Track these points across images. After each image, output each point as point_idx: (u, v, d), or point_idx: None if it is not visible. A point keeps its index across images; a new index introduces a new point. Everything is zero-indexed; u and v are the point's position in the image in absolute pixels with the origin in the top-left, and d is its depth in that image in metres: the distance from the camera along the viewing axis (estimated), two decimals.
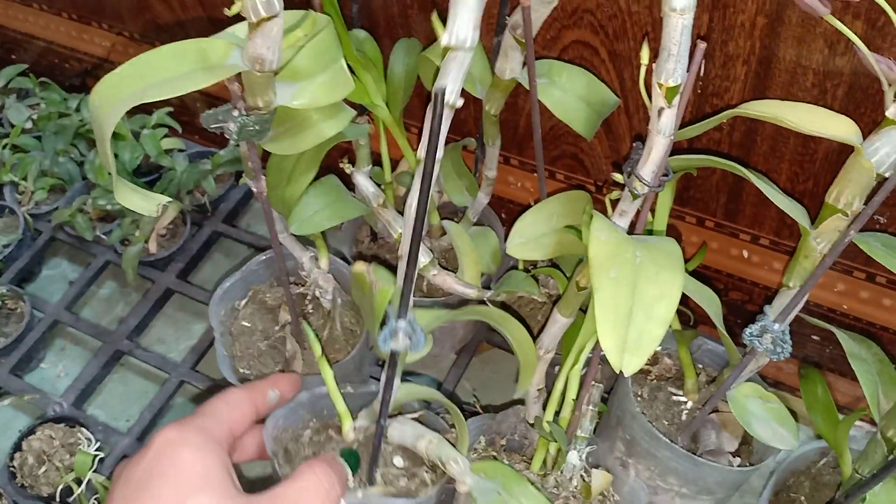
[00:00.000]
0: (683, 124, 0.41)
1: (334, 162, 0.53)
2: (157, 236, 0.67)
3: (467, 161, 0.57)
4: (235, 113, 0.36)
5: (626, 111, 0.49)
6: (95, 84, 0.33)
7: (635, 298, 0.33)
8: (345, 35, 0.43)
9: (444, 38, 0.35)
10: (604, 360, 0.33)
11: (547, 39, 0.48)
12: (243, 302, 0.57)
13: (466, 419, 0.46)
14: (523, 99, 0.52)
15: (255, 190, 0.43)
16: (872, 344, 0.44)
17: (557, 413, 0.47)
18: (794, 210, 0.39)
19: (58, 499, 0.55)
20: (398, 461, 0.47)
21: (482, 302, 0.49)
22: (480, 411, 0.54)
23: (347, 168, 0.52)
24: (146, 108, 0.69)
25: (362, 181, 0.52)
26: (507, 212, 0.62)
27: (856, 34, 0.34)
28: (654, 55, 0.33)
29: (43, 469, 0.56)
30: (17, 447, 0.57)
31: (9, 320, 0.65)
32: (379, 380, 0.42)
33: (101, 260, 0.68)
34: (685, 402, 0.50)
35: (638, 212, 0.38)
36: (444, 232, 0.55)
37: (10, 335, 0.63)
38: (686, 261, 0.51)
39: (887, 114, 0.34)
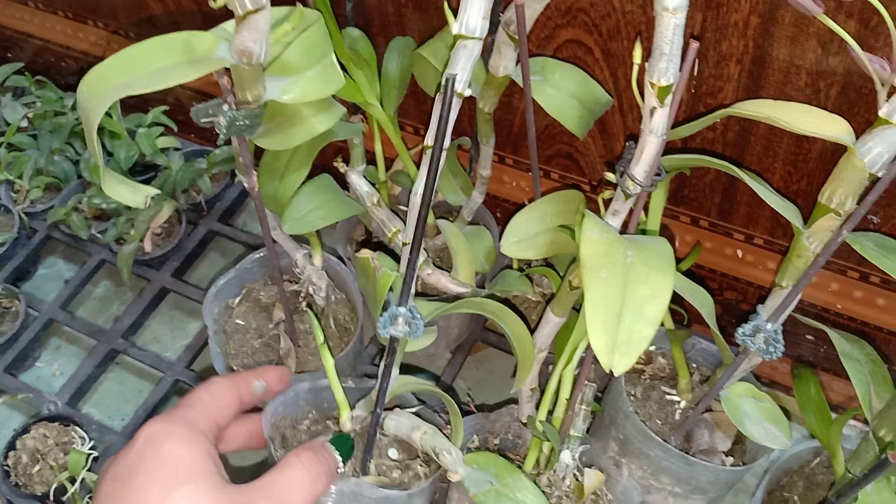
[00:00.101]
0: (677, 124, 0.41)
1: (329, 161, 0.53)
2: (152, 235, 0.67)
3: (462, 160, 0.57)
4: (225, 107, 0.36)
5: (620, 110, 0.49)
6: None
7: (625, 298, 0.33)
8: (336, 32, 0.43)
9: (455, 27, 0.36)
10: (597, 359, 0.32)
11: (541, 38, 0.47)
12: (237, 300, 0.57)
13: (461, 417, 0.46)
14: (518, 98, 0.52)
15: (246, 185, 0.43)
16: (865, 344, 0.44)
17: (551, 412, 0.47)
18: (787, 210, 0.39)
19: (52, 497, 0.55)
20: (393, 453, 0.47)
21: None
22: (475, 410, 0.55)
23: (341, 167, 0.52)
24: (142, 107, 0.69)
25: (356, 180, 0.52)
26: (502, 211, 0.62)
27: (849, 34, 0.34)
28: (648, 54, 0.33)
29: (37, 468, 0.56)
30: (11, 446, 0.57)
31: (4, 319, 0.65)
32: (375, 378, 0.42)
33: (96, 259, 0.67)
34: (678, 402, 0.50)
35: (631, 211, 0.38)
36: (439, 231, 0.55)
37: (4, 334, 0.63)
38: (680, 260, 0.52)
39: (880, 113, 0.34)
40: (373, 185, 0.53)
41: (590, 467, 0.48)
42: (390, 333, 0.39)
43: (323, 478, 0.40)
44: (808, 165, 0.45)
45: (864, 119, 0.40)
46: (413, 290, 0.39)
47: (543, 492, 0.44)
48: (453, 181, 0.56)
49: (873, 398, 0.41)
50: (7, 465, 0.56)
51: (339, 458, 0.42)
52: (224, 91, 0.37)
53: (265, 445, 0.46)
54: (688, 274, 0.48)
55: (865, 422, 0.41)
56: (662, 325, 0.50)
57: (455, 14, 0.37)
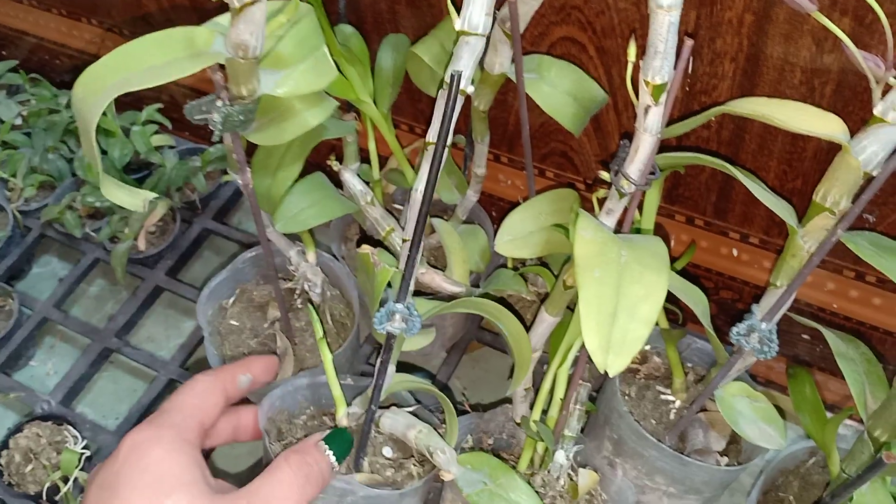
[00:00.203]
0: (672, 122, 0.41)
1: (322, 159, 0.53)
2: (146, 233, 0.67)
3: (456, 159, 0.56)
4: (219, 103, 0.36)
5: (615, 108, 0.48)
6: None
7: (619, 298, 0.33)
8: (327, 28, 0.43)
9: (458, 24, 0.36)
10: (591, 359, 0.32)
11: (535, 36, 0.47)
12: (231, 300, 0.56)
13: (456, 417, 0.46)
14: (512, 96, 0.52)
15: (239, 183, 0.42)
16: (860, 343, 0.44)
17: (545, 412, 0.46)
18: (781, 208, 0.38)
19: (45, 497, 0.55)
20: (387, 451, 0.47)
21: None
22: (469, 410, 0.54)
23: (335, 165, 0.52)
24: (136, 105, 0.69)
25: (350, 179, 0.51)
26: (497, 210, 0.62)
27: (843, 31, 0.33)
28: (642, 52, 0.33)
29: (30, 467, 0.56)
30: (4, 445, 0.57)
31: None
32: (372, 376, 0.42)
33: (90, 257, 0.67)
34: (673, 401, 0.50)
35: (625, 210, 0.38)
36: (433, 230, 0.55)
37: None
38: (675, 259, 0.51)
39: (875, 111, 0.34)
40: (367, 183, 0.52)
41: (584, 467, 0.48)
42: (387, 330, 0.38)
43: (313, 482, 0.39)
44: (803, 164, 0.45)
45: (859, 117, 0.40)
46: (411, 287, 0.38)
47: (537, 492, 0.44)
48: (448, 179, 0.55)
49: (868, 398, 0.41)
50: (0, 465, 0.56)
51: (334, 459, 0.41)
52: (217, 87, 0.36)
53: (252, 438, 0.45)
54: (683, 273, 0.48)
55: (861, 421, 0.41)
56: (657, 324, 0.50)
57: (457, 10, 0.36)
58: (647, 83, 0.33)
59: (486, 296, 0.51)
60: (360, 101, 0.50)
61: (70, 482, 0.54)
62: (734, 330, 0.40)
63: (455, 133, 0.55)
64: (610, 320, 0.32)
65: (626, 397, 0.50)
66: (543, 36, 0.47)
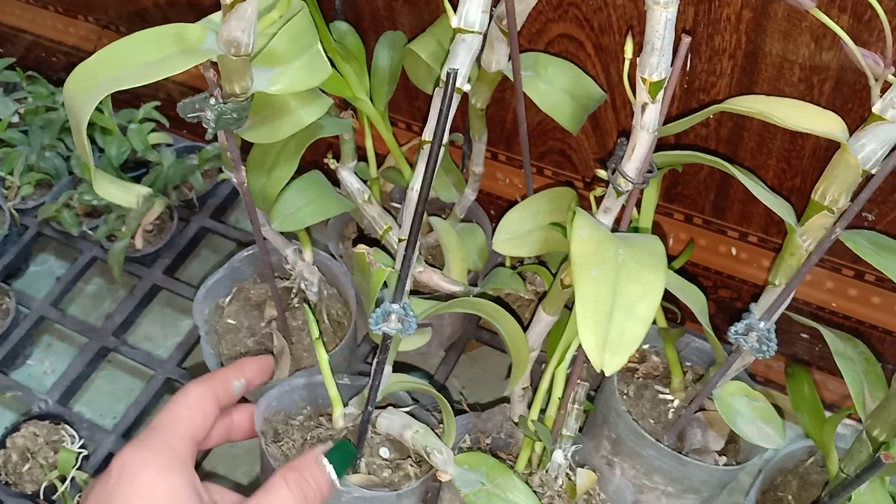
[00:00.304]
0: (670, 119, 0.40)
1: (319, 157, 0.53)
2: (143, 232, 0.66)
3: (454, 157, 0.56)
4: (212, 101, 0.36)
5: (613, 106, 0.48)
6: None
7: (616, 297, 0.32)
8: (322, 25, 0.43)
9: (454, 21, 0.36)
10: (588, 356, 0.32)
11: (532, 33, 0.47)
12: (228, 299, 0.56)
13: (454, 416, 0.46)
14: (510, 93, 0.52)
15: (234, 181, 0.42)
16: (859, 342, 0.43)
17: (543, 411, 0.46)
18: (780, 207, 0.38)
19: (42, 496, 0.55)
20: (384, 452, 0.47)
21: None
22: (467, 409, 0.54)
23: (332, 163, 0.51)
24: (133, 103, 0.69)
25: (347, 177, 0.51)
26: (495, 208, 0.62)
27: (842, 28, 0.33)
28: (639, 49, 0.33)
29: (27, 466, 0.56)
30: (2, 444, 0.56)
31: None
32: (369, 376, 0.42)
33: (87, 256, 0.67)
34: (671, 401, 0.50)
35: (623, 209, 0.38)
36: (431, 228, 0.55)
37: None
38: (674, 258, 0.51)
39: (874, 109, 0.33)
40: (364, 181, 0.52)
41: (582, 467, 0.47)
42: (382, 330, 0.38)
43: (311, 502, 0.38)
44: (801, 162, 0.45)
45: (857, 115, 0.40)
46: (408, 287, 0.38)
47: (535, 492, 0.44)
48: (446, 178, 0.55)
49: (867, 397, 0.41)
50: None
51: (334, 475, 0.40)
52: (211, 84, 0.36)
53: (246, 437, 0.45)
54: (681, 272, 0.48)
55: (859, 421, 0.41)
56: (655, 323, 0.50)
57: (453, 8, 0.36)
58: (644, 80, 0.33)
59: (483, 295, 0.51)
60: (356, 99, 0.50)
61: (67, 481, 0.54)
62: (732, 329, 0.39)
63: (453, 131, 0.55)
64: (607, 319, 0.32)
65: (625, 396, 0.50)
66: (541, 33, 0.47)
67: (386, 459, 0.46)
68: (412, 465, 0.46)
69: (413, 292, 0.54)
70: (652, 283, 0.33)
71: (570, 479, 0.47)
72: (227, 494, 0.40)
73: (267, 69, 0.37)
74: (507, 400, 0.49)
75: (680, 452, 0.46)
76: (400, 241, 0.39)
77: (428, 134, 0.38)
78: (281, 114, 0.40)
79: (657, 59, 0.32)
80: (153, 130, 0.69)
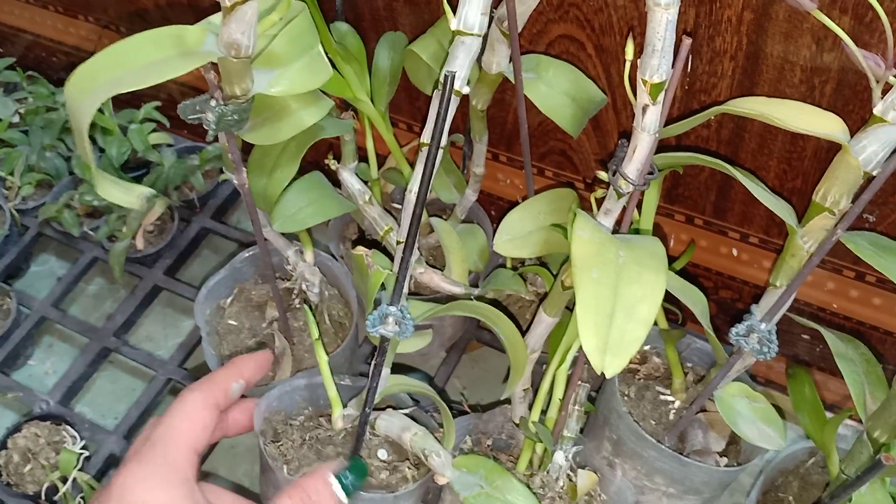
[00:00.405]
0: (671, 121, 0.40)
1: (320, 158, 0.53)
2: (144, 232, 0.66)
3: (455, 157, 0.56)
4: (213, 103, 0.36)
5: (614, 107, 0.48)
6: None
7: (617, 299, 0.32)
8: (321, 23, 0.43)
9: (454, 23, 0.36)
10: (588, 358, 0.32)
11: (533, 34, 0.47)
12: (229, 300, 0.56)
13: (454, 418, 0.46)
14: (511, 94, 0.52)
15: (235, 183, 0.42)
16: (860, 344, 0.43)
17: (544, 412, 0.46)
18: (781, 208, 0.38)
19: (43, 497, 0.55)
20: (382, 454, 0.47)
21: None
22: (468, 410, 0.54)
23: (333, 164, 0.51)
24: (134, 103, 0.69)
25: (348, 178, 0.51)
26: (496, 209, 0.62)
27: (843, 30, 0.33)
28: (640, 50, 0.33)
29: (28, 467, 0.56)
30: (3, 445, 0.56)
31: None
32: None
33: (88, 256, 0.67)
34: (673, 402, 0.50)
35: (623, 210, 0.38)
36: (432, 229, 0.55)
37: None
38: (674, 259, 0.51)
39: (875, 111, 0.33)
40: (365, 182, 0.52)
41: (583, 468, 0.47)
42: (379, 332, 0.38)
43: None
44: (803, 163, 0.45)
45: (859, 116, 0.40)
46: (406, 290, 0.38)
47: (536, 493, 0.44)
48: (446, 179, 0.55)
49: (868, 399, 0.41)
50: None
51: (343, 496, 0.39)
52: (211, 86, 0.36)
53: (242, 432, 0.45)
54: (682, 273, 0.47)
55: (860, 422, 0.41)
56: (656, 324, 0.50)
57: (453, 10, 0.36)
58: (645, 82, 0.33)
59: (483, 297, 0.51)
60: (357, 100, 0.50)
61: (69, 482, 0.54)
62: (733, 331, 0.39)
63: (453, 132, 0.55)
64: (607, 321, 0.32)
65: (626, 398, 0.50)
66: (541, 34, 0.47)
67: (384, 461, 0.47)
68: (410, 468, 0.46)
69: (414, 293, 0.54)
70: (653, 285, 0.33)
71: (571, 480, 0.47)
72: (224, 495, 0.40)
73: (267, 71, 0.37)
74: (508, 401, 0.49)
75: (681, 453, 0.46)
76: (398, 243, 0.39)
77: (426, 136, 0.38)
78: (282, 115, 0.40)
79: (658, 60, 0.32)
80: (154, 130, 0.69)
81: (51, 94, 0.73)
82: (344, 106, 0.52)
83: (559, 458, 0.46)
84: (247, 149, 0.43)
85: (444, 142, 0.34)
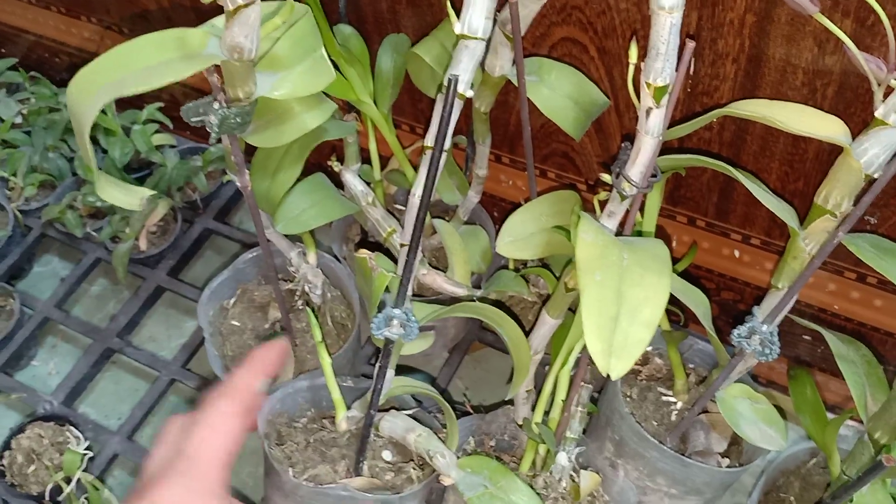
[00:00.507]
0: (673, 123, 0.40)
1: (323, 160, 0.53)
2: (147, 233, 0.67)
3: (458, 159, 0.56)
4: (216, 105, 0.36)
5: (617, 110, 0.48)
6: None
7: (621, 302, 0.32)
8: (325, 26, 0.43)
9: (457, 27, 0.36)
10: (593, 361, 0.32)
11: (536, 36, 0.47)
12: (232, 301, 0.56)
13: (457, 419, 0.46)
14: (513, 96, 0.52)
15: (238, 184, 0.42)
16: (861, 345, 0.44)
17: (547, 413, 0.46)
18: (783, 211, 0.38)
19: (47, 497, 0.55)
20: (387, 455, 0.47)
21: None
22: (471, 411, 0.54)
23: (336, 166, 0.51)
24: (137, 104, 0.69)
25: (351, 179, 0.51)
26: (499, 210, 0.62)
27: (845, 33, 0.33)
28: (643, 53, 0.33)
29: (32, 468, 0.56)
30: (7, 445, 0.57)
31: None
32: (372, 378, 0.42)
33: (91, 257, 0.67)
34: (675, 403, 0.50)
35: (626, 212, 0.38)
36: (435, 231, 0.55)
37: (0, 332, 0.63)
38: (676, 260, 0.51)
39: (876, 114, 0.33)
40: (368, 184, 0.52)
41: (586, 469, 0.48)
42: (385, 335, 0.38)
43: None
44: (804, 166, 0.45)
45: (860, 119, 0.40)
46: (410, 292, 0.38)
47: (539, 493, 0.44)
48: (449, 180, 0.55)
49: (869, 400, 0.41)
50: (2, 465, 0.56)
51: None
52: (214, 89, 0.36)
53: (249, 431, 0.45)
54: (684, 274, 0.48)
55: (862, 422, 0.41)
56: (659, 325, 0.50)
57: (457, 13, 0.36)
58: (648, 85, 0.33)
59: (487, 297, 0.51)
60: (360, 102, 0.50)
61: (73, 482, 0.54)
62: (735, 332, 0.40)
63: (456, 134, 0.55)
64: (612, 324, 0.32)
65: (628, 399, 0.50)
66: (545, 37, 0.47)
67: (389, 462, 0.47)
68: (415, 469, 0.46)
69: (416, 295, 0.54)
70: (656, 288, 0.33)
71: (573, 480, 0.47)
72: None
73: (270, 74, 0.37)
74: (510, 402, 0.50)
75: (683, 454, 0.46)
76: (402, 246, 0.39)
77: (430, 139, 0.38)
78: (285, 118, 0.40)
79: (662, 63, 0.32)
80: (157, 132, 0.69)
81: (53, 94, 0.73)
82: (347, 108, 0.52)
83: (562, 458, 0.46)
84: (250, 150, 0.43)
85: (447, 145, 0.34)
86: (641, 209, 0.45)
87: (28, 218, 0.69)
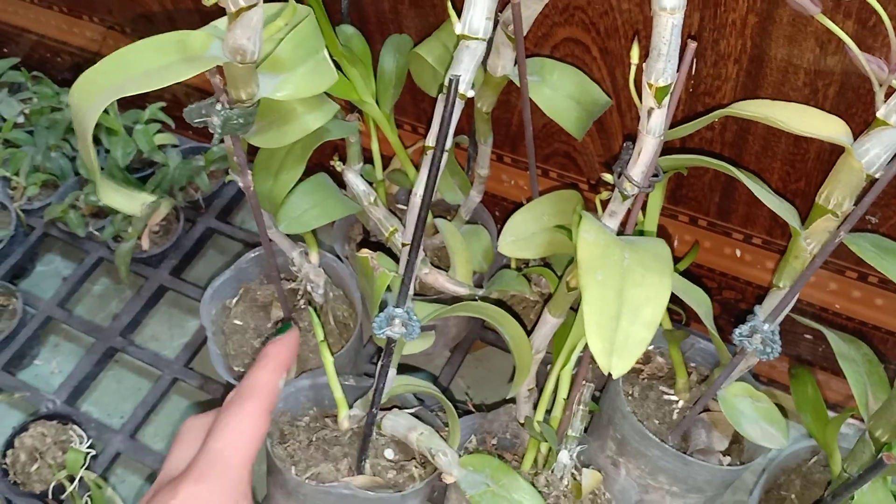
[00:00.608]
0: (675, 123, 0.41)
1: (325, 160, 0.53)
2: (149, 233, 0.67)
3: (460, 159, 0.57)
4: (219, 107, 0.36)
5: (619, 109, 0.48)
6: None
7: (622, 301, 0.33)
8: (327, 27, 0.43)
9: (458, 28, 0.36)
10: (594, 359, 0.32)
11: (538, 37, 0.47)
12: (234, 300, 0.57)
13: (459, 417, 0.46)
14: (515, 96, 0.52)
15: (241, 185, 0.42)
16: (862, 344, 0.44)
17: (548, 412, 0.47)
18: (784, 210, 0.39)
19: (50, 496, 0.55)
20: (389, 453, 0.47)
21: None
22: (473, 410, 0.55)
23: (338, 166, 0.52)
24: (139, 104, 0.69)
25: (353, 179, 0.51)
26: (500, 210, 0.62)
27: (847, 33, 0.33)
28: (645, 54, 0.33)
29: (35, 466, 0.56)
30: (10, 444, 0.57)
31: (1, 317, 0.65)
32: (374, 377, 0.42)
33: (94, 256, 0.67)
34: (676, 401, 0.50)
35: (628, 212, 0.38)
36: (437, 230, 0.55)
37: (2, 332, 0.63)
38: (678, 259, 0.52)
39: (878, 114, 0.34)
40: (370, 183, 0.52)
41: (588, 467, 0.48)
42: (386, 334, 0.38)
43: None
44: (806, 166, 0.45)
45: (861, 119, 0.40)
46: (412, 292, 0.39)
47: (541, 492, 0.44)
48: (451, 180, 0.55)
49: (870, 398, 0.41)
50: (5, 464, 0.56)
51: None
52: (217, 90, 0.36)
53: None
54: (686, 273, 0.48)
55: (863, 421, 0.41)
56: (660, 324, 0.50)
57: (458, 13, 0.36)
58: (650, 85, 0.33)
59: (488, 297, 0.52)
60: (362, 102, 0.50)
61: (76, 481, 0.55)
62: (737, 331, 0.40)
63: (458, 133, 0.56)
64: (613, 323, 0.32)
65: (630, 397, 0.50)
66: (547, 37, 0.47)
67: (391, 461, 0.47)
68: (417, 467, 0.46)
69: (418, 294, 0.54)
70: (657, 288, 0.33)
71: (575, 479, 0.47)
72: None
73: (273, 75, 0.37)
74: (512, 400, 0.50)
75: (684, 453, 0.47)
76: (403, 245, 0.39)
77: (431, 139, 0.38)
78: (287, 119, 0.40)
79: (663, 64, 0.32)
80: (159, 131, 0.69)
81: (55, 94, 0.73)
82: (349, 108, 0.52)
83: (564, 457, 0.46)
84: (252, 150, 0.43)
85: (449, 145, 0.34)
86: (643, 209, 0.45)
87: (30, 217, 0.70)
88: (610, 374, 0.32)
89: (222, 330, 0.55)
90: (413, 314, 0.38)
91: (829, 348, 0.43)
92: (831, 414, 0.45)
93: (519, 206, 0.46)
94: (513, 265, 0.56)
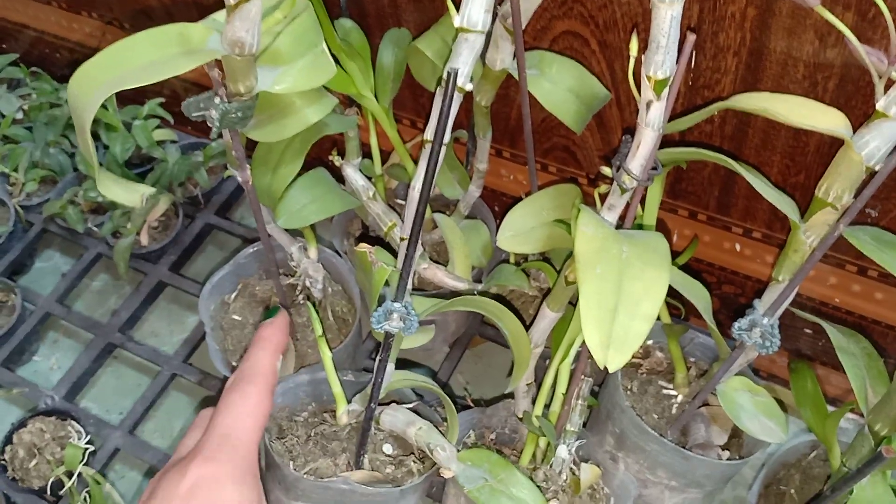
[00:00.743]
0: (674, 116, 0.40)
1: (324, 154, 0.53)
2: (148, 228, 0.67)
3: (458, 154, 0.56)
4: (217, 100, 0.36)
5: (618, 103, 0.48)
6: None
7: (620, 294, 0.32)
8: (326, 21, 0.43)
9: (457, 21, 0.36)
10: (591, 353, 0.32)
11: (537, 30, 0.47)
12: (233, 295, 0.56)
13: (458, 412, 0.46)
14: (514, 90, 0.52)
15: (239, 179, 0.42)
16: (861, 338, 0.44)
17: (547, 407, 0.47)
18: (784, 203, 0.38)
19: (49, 492, 0.55)
20: (388, 448, 0.47)
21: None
22: (472, 404, 0.55)
23: (337, 161, 0.51)
24: (138, 99, 0.69)
25: (351, 174, 0.51)
26: (499, 204, 0.62)
27: (846, 25, 0.33)
28: (644, 46, 0.33)
29: (34, 462, 0.56)
30: (8, 440, 0.57)
31: (0, 313, 0.65)
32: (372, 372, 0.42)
33: (93, 252, 0.67)
34: (675, 396, 0.50)
35: (627, 205, 0.38)
36: (435, 225, 0.55)
37: (1, 328, 0.63)
38: (678, 254, 0.51)
39: (877, 106, 0.33)
40: (369, 178, 0.52)
41: (586, 462, 0.48)
42: (385, 329, 0.38)
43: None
44: (805, 159, 0.45)
45: (861, 112, 0.40)
46: (410, 286, 0.38)
47: (539, 486, 0.44)
48: (450, 175, 0.55)
49: (869, 392, 0.41)
50: (4, 460, 0.56)
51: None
52: (215, 83, 0.36)
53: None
54: (685, 268, 0.48)
55: (862, 415, 0.41)
56: (659, 319, 0.50)
57: (457, 7, 0.36)
58: (649, 78, 0.33)
59: (487, 291, 0.51)
60: (361, 96, 0.50)
61: (74, 477, 0.55)
62: (736, 325, 0.40)
63: (457, 128, 0.55)
64: (610, 317, 0.32)
65: (628, 392, 0.50)
66: (545, 30, 0.47)
67: (389, 455, 0.47)
68: (415, 462, 0.46)
69: (417, 289, 0.54)
70: (655, 281, 0.33)
71: (574, 473, 0.47)
72: None
73: (271, 69, 0.37)
74: (511, 395, 0.50)
75: (683, 447, 0.47)
76: (402, 240, 0.39)
77: (430, 133, 0.38)
78: (286, 112, 0.40)
79: (662, 56, 0.32)
80: (158, 127, 0.69)
81: (54, 90, 0.73)
82: (348, 102, 0.52)
83: (562, 451, 0.46)
84: (251, 145, 0.43)
85: (447, 138, 0.34)
86: (642, 203, 0.45)
87: (29, 213, 0.70)
88: (606, 368, 0.32)
89: (221, 325, 0.55)
90: (411, 309, 0.38)
91: (829, 342, 0.43)
92: (831, 408, 0.45)
93: (518, 200, 0.46)
94: (512, 260, 0.56)
